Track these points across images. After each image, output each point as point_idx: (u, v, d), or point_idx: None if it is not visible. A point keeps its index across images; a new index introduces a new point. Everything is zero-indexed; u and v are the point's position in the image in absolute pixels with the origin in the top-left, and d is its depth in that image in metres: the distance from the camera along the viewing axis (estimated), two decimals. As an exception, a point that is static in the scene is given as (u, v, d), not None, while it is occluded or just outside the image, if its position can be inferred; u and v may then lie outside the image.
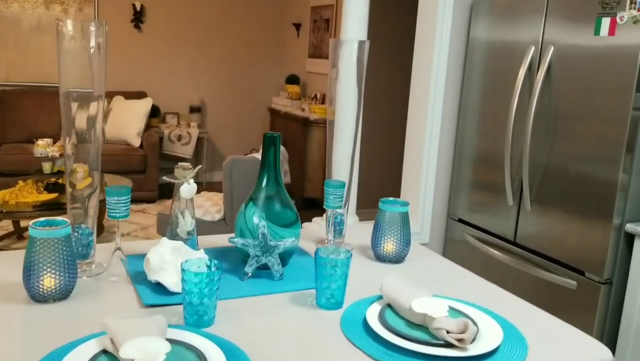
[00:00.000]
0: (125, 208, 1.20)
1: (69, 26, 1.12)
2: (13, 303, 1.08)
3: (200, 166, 1.34)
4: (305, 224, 2.58)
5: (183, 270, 1.01)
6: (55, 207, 3.51)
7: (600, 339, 2.14)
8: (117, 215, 1.19)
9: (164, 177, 1.33)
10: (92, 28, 1.14)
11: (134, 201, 5.29)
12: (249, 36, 6.54)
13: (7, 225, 4.28)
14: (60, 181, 3.76)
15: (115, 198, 1.18)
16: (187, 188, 1.26)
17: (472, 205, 2.70)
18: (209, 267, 1.06)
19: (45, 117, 5.40)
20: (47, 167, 4.10)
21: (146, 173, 5.32)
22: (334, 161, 1.58)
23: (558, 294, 2.26)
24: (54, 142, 4.34)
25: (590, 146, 2.13)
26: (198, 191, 4.33)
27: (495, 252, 2.56)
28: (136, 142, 5.45)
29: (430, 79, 2.69)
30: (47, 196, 3.61)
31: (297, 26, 6.36)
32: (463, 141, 2.74)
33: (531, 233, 2.39)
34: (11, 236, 4.21)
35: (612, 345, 2.14)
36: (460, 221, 2.78)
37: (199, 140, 6.15)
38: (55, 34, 1.11)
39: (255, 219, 1.27)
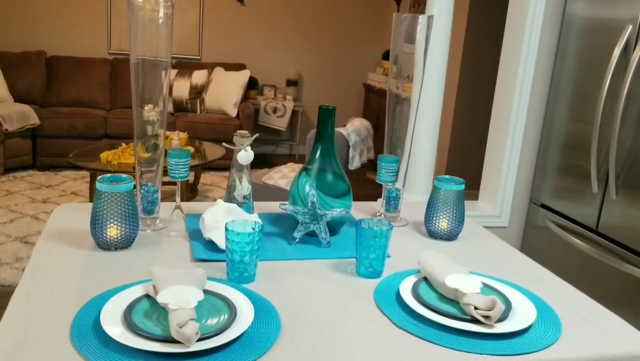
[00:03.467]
0: (184, 169, 1.29)
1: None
2: (80, 249, 1.21)
3: (257, 134, 1.41)
4: (380, 199, 2.61)
5: (226, 229, 1.09)
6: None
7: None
8: (177, 175, 1.29)
9: (223, 144, 1.41)
10: None
11: (228, 168, 5.54)
12: (349, 10, 6.54)
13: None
14: (157, 142, 4.02)
15: (175, 160, 1.28)
16: (244, 155, 1.33)
17: (556, 190, 2.60)
18: (253, 229, 1.13)
19: (152, 84, 5.75)
20: (149, 130, 4.39)
21: (241, 143, 5.53)
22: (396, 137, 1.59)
23: None
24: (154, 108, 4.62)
25: (684, 133, 1.98)
26: (284, 162, 4.45)
27: (576, 240, 2.45)
28: (233, 112, 5.67)
29: (520, 56, 2.58)
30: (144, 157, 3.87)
31: (398, 0, 6.27)
32: (552, 123, 2.63)
33: (615, 223, 2.26)
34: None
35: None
36: (543, 206, 2.68)
37: (294, 113, 6.29)
38: (127, 3, 1.21)
39: (307, 188, 1.32)
